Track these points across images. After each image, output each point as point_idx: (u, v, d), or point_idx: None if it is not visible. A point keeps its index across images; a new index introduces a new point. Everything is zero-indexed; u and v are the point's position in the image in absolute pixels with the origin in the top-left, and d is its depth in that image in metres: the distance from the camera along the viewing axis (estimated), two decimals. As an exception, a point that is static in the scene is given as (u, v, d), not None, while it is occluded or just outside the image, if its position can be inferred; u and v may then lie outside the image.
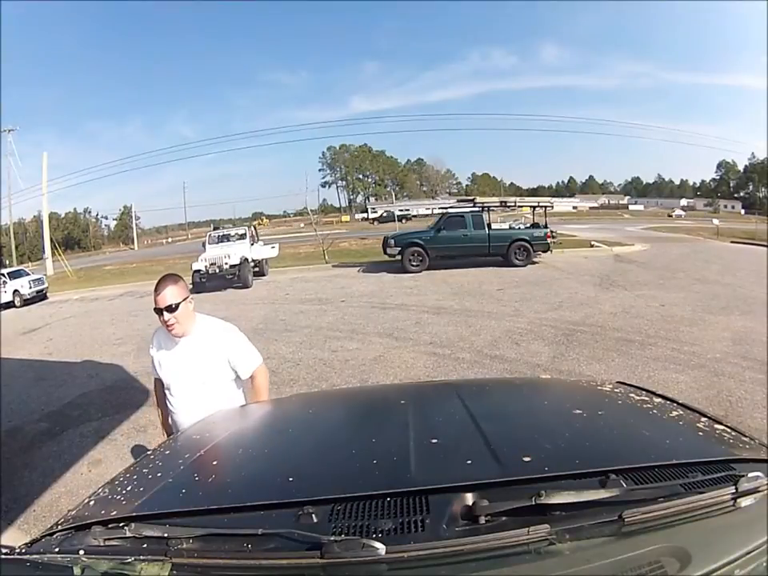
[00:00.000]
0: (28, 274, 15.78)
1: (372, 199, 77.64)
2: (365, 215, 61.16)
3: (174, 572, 0.74)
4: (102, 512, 0.96)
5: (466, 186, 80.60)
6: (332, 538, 0.74)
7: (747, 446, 1.06)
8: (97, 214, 72.77)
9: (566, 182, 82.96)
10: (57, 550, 0.85)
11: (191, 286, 9.68)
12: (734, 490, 0.82)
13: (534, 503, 0.77)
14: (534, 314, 7.11)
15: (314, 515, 0.81)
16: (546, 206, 13.95)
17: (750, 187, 69.21)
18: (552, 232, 12.81)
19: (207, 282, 12.06)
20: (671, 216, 47.63)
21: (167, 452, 1.30)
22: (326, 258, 16.66)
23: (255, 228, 16.12)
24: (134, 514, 0.90)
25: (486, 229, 12.44)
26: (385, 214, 46.16)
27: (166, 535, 0.80)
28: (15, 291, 14.37)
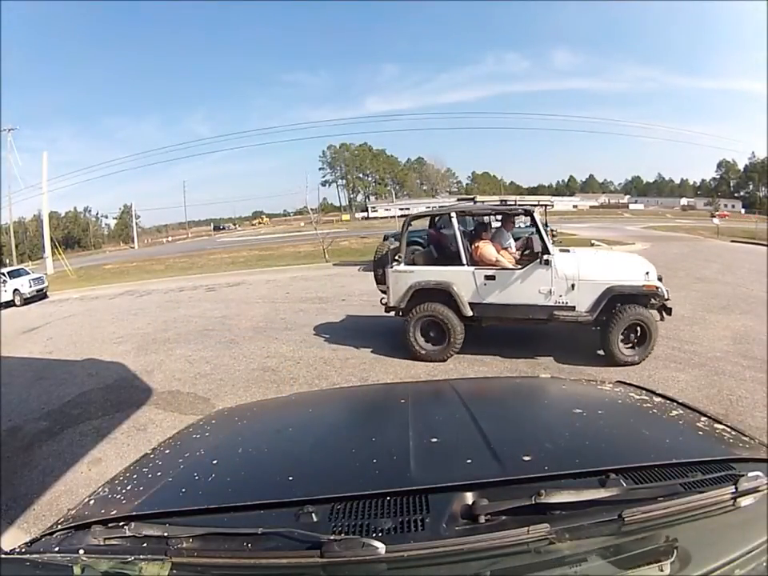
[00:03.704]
0: (28, 273, 15.77)
1: (372, 198, 77.63)
2: (365, 214, 61.21)
3: (174, 571, 0.74)
4: (102, 511, 0.96)
5: (466, 184, 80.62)
6: (332, 537, 0.74)
7: (747, 446, 1.06)
8: (97, 213, 72.80)
9: (566, 180, 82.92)
10: (57, 549, 0.85)
11: None
12: (734, 490, 0.82)
13: (533, 502, 0.77)
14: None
15: (313, 514, 0.81)
16: (546, 205, 13.95)
17: (750, 186, 69.15)
18: (552, 231, 12.80)
19: None
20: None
21: (167, 451, 1.30)
22: (327, 256, 16.68)
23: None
24: (134, 513, 0.90)
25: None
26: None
27: (165, 534, 0.81)
28: (15, 290, 14.38)
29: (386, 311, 5.56)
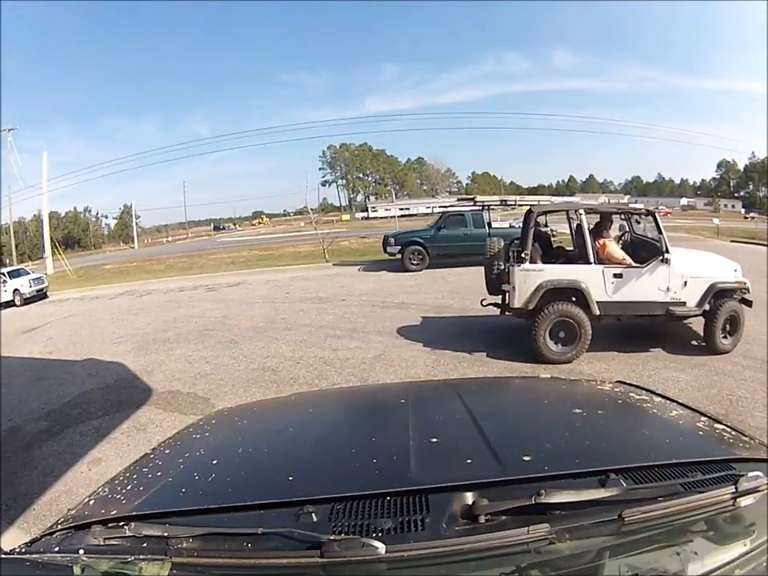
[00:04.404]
0: (28, 273, 15.76)
1: (372, 198, 77.62)
2: (365, 214, 61.22)
3: (174, 571, 0.74)
4: (102, 511, 0.96)
5: (466, 184, 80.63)
6: (332, 537, 0.74)
7: (747, 446, 1.06)
8: (97, 213, 72.78)
9: (566, 180, 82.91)
10: (57, 549, 0.85)
11: None
12: (734, 490, 0.82)
13: (533, 502, 0.77)
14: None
15: (313, 514, 0.81)
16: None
17: (750, 186, 69.18)
18: (552, 231, 12.81)
19: None
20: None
21: (167, 451, 1.30)
22: (327, 256, 16.69)
23: None
24: (134, 513, 0.90)
25: (487, 227, 12.46)
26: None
27: (165, 534, 0.80)
28: (15, 290, 14.36)
29: (502, 313, 5.52)
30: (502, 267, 5.28)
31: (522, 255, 5.06)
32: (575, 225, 5.89)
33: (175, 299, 11.39)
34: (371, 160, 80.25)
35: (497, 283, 5.46)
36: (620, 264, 5.05)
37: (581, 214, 5.16)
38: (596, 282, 4.93)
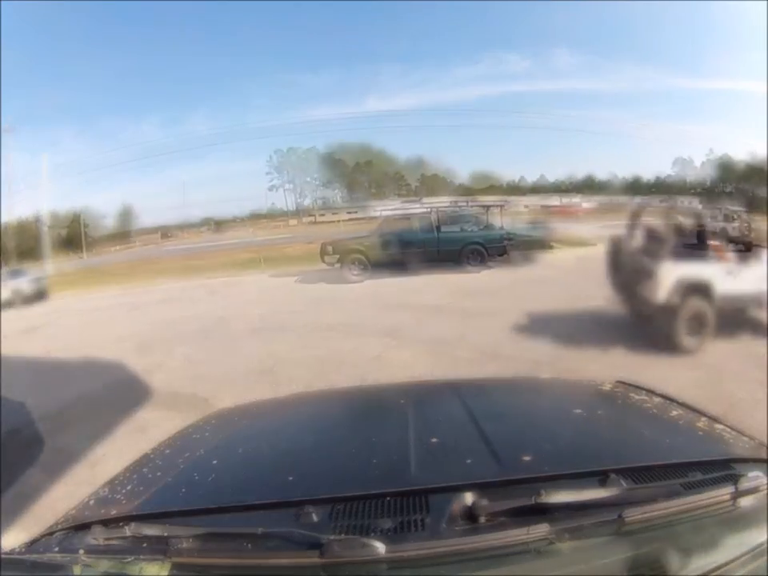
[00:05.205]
0: (28, 274, 15.76)
1: (320, 202, 76.01)
2: (312, 219, 58.79)
3: (174, 571, 0.74)
4: (102, 511, 0.96)
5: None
6: (332, 538, 0.74)
7: (747, 446, 1.06)
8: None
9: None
10: (57, 549, 0.85)
11: None
12: (734, 490, 0.82)
13: (533, 503, 0.77)
14: (539, 311, 7.09)
15: (313, 515, 0.81)
16: (500, 206, 13.27)
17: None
18: (510, 234, 11.66)
19: None
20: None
21: (167, 451, 1.30)
22: (263, 264, 14.90)
23: None
24: (134, 513, 0.90)
25: (435, 232, 11.43)
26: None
27: (165, 534, 0.80)
28: (15, 290, 14.36)
29: (634, 309, 5.87)
30: (640, 264, 5.61)
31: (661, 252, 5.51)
32: (673, 224, 6.48)
33: (175, 298, 11.37)
34: (318, 164, 78.80)
35: (629, 279, 5.75)
36: (729, 261, 5.55)
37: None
38: (717, 277, 5.35)
